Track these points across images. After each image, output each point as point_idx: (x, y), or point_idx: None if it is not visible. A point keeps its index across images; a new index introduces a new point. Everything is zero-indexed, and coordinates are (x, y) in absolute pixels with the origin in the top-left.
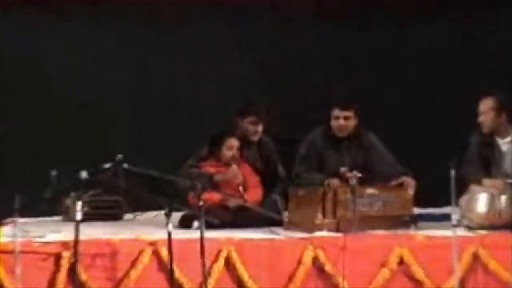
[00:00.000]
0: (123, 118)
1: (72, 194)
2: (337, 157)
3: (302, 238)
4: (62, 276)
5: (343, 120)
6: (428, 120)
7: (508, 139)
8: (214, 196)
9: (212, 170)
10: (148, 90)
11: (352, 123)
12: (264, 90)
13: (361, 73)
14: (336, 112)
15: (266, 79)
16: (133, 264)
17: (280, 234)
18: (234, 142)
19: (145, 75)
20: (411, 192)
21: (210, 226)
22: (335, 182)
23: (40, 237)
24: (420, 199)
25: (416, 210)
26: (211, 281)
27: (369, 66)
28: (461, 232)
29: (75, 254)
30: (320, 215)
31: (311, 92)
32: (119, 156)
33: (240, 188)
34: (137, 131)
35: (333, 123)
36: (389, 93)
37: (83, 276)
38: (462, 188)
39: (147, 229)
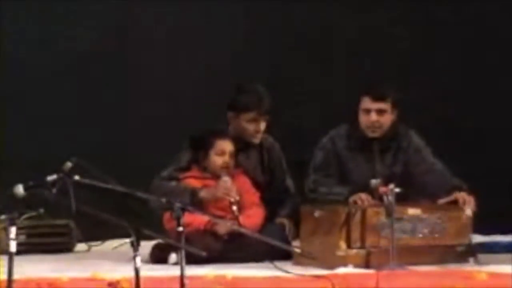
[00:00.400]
0: (74, 113)
1: (3, 216)
2: (367, 165)
3: (318, 277)
4: None
5: (376, 115)
6: (493, 118)
7: None
8: (198, 219)
9: (196, 183)
10: (106, 73)
11: (388, 118)
12: (265, 76)
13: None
14: (367, 103)
15: (267, 58)
16: None
17: (288, 271)
18: (226, 146)
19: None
20: (469, 213)
21: (193, 259)
22: (364, 198)
23: None
24: (481, 223)
25: (476, 238)
26: None
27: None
28: None
29: None
30: (343, 245)
31: (333, 78)
32: (68, 164)
33: (234, 208)
34: (93, 130)
35: (362, 119)
36: (440, 83)
37: None
38: None
39: (106, 265)
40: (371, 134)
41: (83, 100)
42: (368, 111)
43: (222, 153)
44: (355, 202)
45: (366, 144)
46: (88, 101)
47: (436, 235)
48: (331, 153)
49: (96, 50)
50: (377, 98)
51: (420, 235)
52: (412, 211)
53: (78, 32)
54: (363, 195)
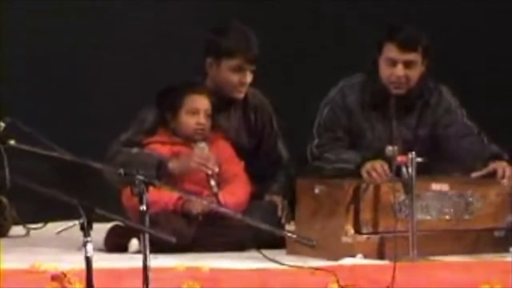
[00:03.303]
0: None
1: None
2: (383, 127)
3: (319, 269)
4: None
5: (403, 68)
6: None
7: None
8: (166, 196)
9: (163, 150)
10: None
11: (417, 72)
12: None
13: None
14: (392, 52)
15: None
16: None
17: (281, 262)
18: (200, 102)
19: None
20: (508, 187)
21: (159, 247)
22: (380, 169)
23: None
24: None
25: None
26: None
27: None
28: None
29: None
30: (350, 229)
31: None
32: (1, 124)
33: (212, 182)
34: (36, 84)
35: (385, 71)
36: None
37: None
38: None
39: (49, 253)
40: (394, 91)
41: None
42: (393, 62)
43: (195, 112)
44: (368, 173)
45: (385, 100)
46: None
47: (467, 217)
48: (340, 109)
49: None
50: (406, 46)
51: (447, 217)
52: (437, 186)
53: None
54: (379, 165)
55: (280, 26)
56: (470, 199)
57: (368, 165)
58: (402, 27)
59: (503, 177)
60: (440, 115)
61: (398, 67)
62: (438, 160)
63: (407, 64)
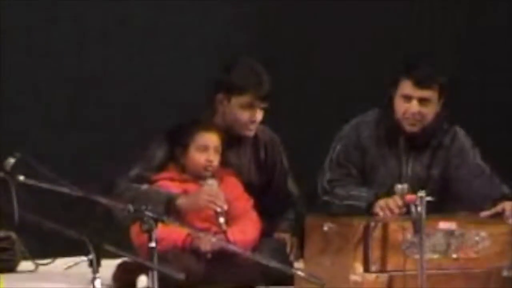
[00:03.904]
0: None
1: None
2: (396, 164)
3: None
4: None
5: (418, 105)
6: None
7: None
8: (175, 233)
9: (172, 187)
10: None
11: (432, 110)
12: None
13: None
14: (408, 89)
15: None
16: None
17: None
18: (210, 139)
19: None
20: None
21: (168, 284)
22: (393, 206)
23: None
24: None
25: None
26: None
27: None
28: None
29: None
30: (359, 267)
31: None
32: (11, 160)
33: (221, 219)
34: (45, 118)
35: (400, 107)
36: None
37: None
38: None
39: None
40: (408, 128)
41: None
42: (408, 98)
43: (205, 149)
44: (382, 209)
45: (399, 136)
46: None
47: (475, 256)
48: (353, 145)
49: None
50: (422, 83)
51: (455, 256)
52: (445, 224)
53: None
54: (392, 202)
55: (285, 56)
56: (477, 238)
57: (381, 201)
58: (419, 63)
59: (510, 216)
60: (452, 156)
61: (413, 103)
62: (449, 200)
63: (422, 101)
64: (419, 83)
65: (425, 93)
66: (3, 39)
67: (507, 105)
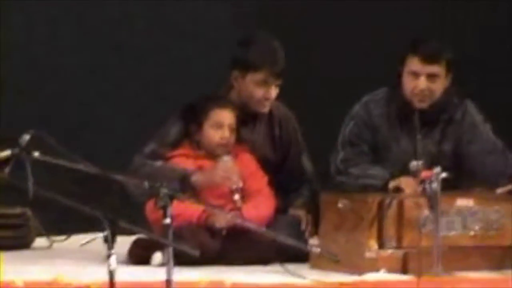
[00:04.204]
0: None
1: None
2: (410, 141)
3: (343, 284)
4: None
5: (426, 81)
6: None
7: None
8: (190, 210)
9: (187, 163)
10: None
11: (440, 85)
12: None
13: None
14: (415, 65)
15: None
16: None
17: (304, 277)
18: (225, 116)
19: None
20: None
21: (183, 260)
22: (409, 183)
23: None
24: None
25: None
26: None
27: None
28: None
29: None
30: (374, 244)
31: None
32: (25, 136)
33: (236, 196)
34: (61, 97)
35: (409, 84)
36: None
37: None
38: None
39: (73, 265)
40: (418, 104)
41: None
42: (416, 75)
43: (219, 126)
44: (398, 189)
45: (410, 114)
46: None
47: (492, 233)
48: (365, 124)
49: None
50: (429, 59)
51: (472, 233)
52: (462, 202)
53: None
54: (411, 180)
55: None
56: (496, 215)
57: (398, 181)
58: (425, 40)
59: None
60: (464, 131)
61: (421, 80)
62: (462, 176)
63: (430, 77)
64: (426, 59)
65: (433, 69)
66: None
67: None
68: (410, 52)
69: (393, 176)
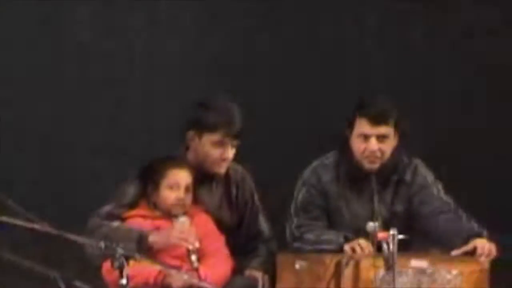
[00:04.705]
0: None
1: None
2: (361, 204)
3: None
4: None
5: (376, 142)
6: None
7: None
8: (146, 270)
9: (144, 224)
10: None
11: (390, 145)
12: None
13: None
14: (364, 127)
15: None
16: None
17: None
18: (181, 177)
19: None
20: (486, 264)
21: None
22: (365, 245)
23: None
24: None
25: None
26: None
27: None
28: None
29: None
30: None
31: (315, 88)
32: None
33: (193, 257)
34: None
35: (358, 147)
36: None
37: None
38: None
39: None
40: (368, 166)
41: None
42: (366, 136)
43: (176, 186)
44: (353, 250)
45: (360, 177)
46: None
47: None
48: (315, 189)
49: None
50: (378, 120)
51: None
52: (416, 262)
53: None
54: (364, 242)
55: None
56: (449, 276)
57: (353, 243)
58: (373, 101)
59: (483, 254)
60: (415, 192)
61: (372, 141)
62: (415, 237)
63: (380, 138)
64: (376, 120)
65: (382, 129)
66: None
67: None
68: (358, 114)
69: (348, 240)
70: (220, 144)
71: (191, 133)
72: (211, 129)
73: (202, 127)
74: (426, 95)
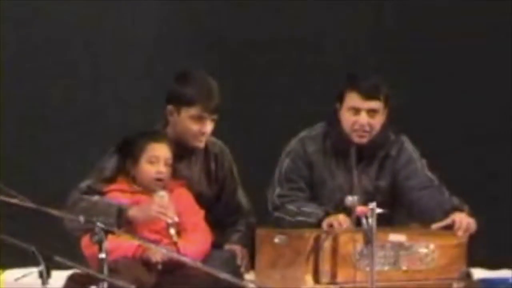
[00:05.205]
0: None
1: None
2: (344, 177)
3: None
4: None
5: (366, 116)
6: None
7: None
8: (126, 244)
9: (123, 198)
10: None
11: (378, 121)
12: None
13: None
14: (355, 101)
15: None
16: None
17: None
18: (161, 151)
19: None
20: (464, 238)
21: None
22: (343, 221)
23: None
24: (485, 254)
25: (478, 273)
26: None
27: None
28: None
29: None
30: (310, 279)
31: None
32: None
33: (172, 231)
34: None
35: (348, 120)
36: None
37: None
38: None
39: None
40: (357, 139)
41: None
42: (356, 110)
43: (155, 160)
44: (330, 225)
45: (346, 150)
46: None
47: (424, 268)
48: (301, 159)
49: None
50: (370, 94)
51: (404, 268)
52: (394, 237)
53: None
54: (342, 217)
55: (241, 71)
56: (426, 250)
57: (331, 218)
58: (364, 76)
59: (460, 228)
60: (400, 167)
61: (362, 115)
62: (398, 211)
63: (370, 112)
64: (367, 94)
65: (373, 104)
66: None
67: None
68: (350, 88)
69: (328, 214)
70: (199, 118)
71: (169, 108)
72: (189, 103)
73: (181, 102)
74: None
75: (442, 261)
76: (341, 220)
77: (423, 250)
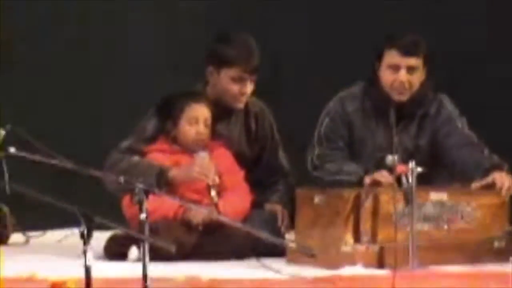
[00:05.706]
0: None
1: None
2: (384, 136)
3: (319, 279)
4: None
5: (406, 73)
6: None
7: None
8: (166, 205)
9: (163, 159)
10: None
11: (418, 79)
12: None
13: None
14: (394, 58)
15: None
16: None
17: (280, 271)
18: (200, 112)
19: None
20: (506, 197)
21: (159, 255)
22: (385, 177)
23: None
24: None
25: None
26: None
27: None
28: None
29: None
30: (350, 239)
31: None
32: (1, 132)
33: (213, 192)
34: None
35: (388, 78)
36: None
37: None
38: None
39: (49, 261)
40: (397, 97)
41: None
42: (396, 67)
43: (195, 121)
44: (375, 182)
45: (386, 108)
46: None
47: (466, 227)
48: (340, 119)
49: None
50: (409, 51)
51: (446, 227)
52: (436, 195)
53: None
54: (386, 174)
55: (279, 35)
56: (468, 208)
57: (376, 174)
58: (403, 32)
59: (502, 187)
60: (439, 125)
61: (401, 72)
62: (438, 170)
63: (410, 70)
64: (406, 51)
65: (412, 61)
66: None
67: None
68: (389, 45)
69: (368, 173)
70: (239, 79)
71: (210, 68)
72: (230, 64)
73: (221, 62)
74: None
75: (484, 219)
76: (385, 175)
77: (465, 209)
